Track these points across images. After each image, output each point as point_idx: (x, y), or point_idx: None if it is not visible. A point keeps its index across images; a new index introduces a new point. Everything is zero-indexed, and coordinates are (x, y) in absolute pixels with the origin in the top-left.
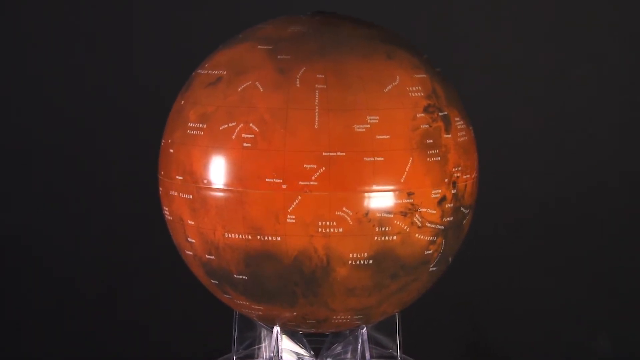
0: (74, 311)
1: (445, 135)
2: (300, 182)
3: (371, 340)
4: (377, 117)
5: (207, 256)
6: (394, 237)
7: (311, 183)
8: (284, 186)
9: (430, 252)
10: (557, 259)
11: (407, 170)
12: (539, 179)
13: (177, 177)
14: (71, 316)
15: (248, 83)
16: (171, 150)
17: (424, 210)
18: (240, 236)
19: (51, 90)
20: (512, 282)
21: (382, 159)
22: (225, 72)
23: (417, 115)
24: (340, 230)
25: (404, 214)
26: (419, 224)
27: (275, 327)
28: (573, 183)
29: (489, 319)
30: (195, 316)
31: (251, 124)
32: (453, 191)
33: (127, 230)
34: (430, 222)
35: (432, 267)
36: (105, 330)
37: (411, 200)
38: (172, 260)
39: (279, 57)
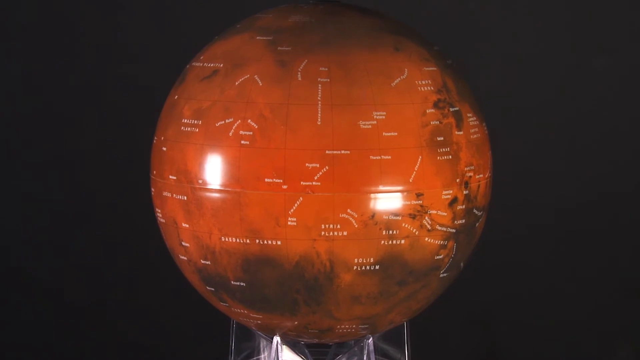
0: (61, 319)
1: (456, 132)
2: (302, 183)
3: (378, 351)
4: (384, 113)
5: (203, 261)
6: (402, 241)
7: (313, 183)
8: (284, 187)
9: (440, 257)
10: (576, 265)
11: (416, 169)
12: (557, 179)
13: (171, 177)
14: (60, 324)
15: (246, 76)
16: (164, 149)
17: (434, 212)
18: (237, 240)
19: (40, 86)
20: (528, 290)
21: (390, 157)
22: (221, 65)
23: (427, 111)
24: (345, 233)
25: (413, 217)
26: (428, 227)
27: (275, 337)
28: (594, 184)
29: (502, 328)
30: (189, 325)
31: (249, 121)
32: (465, 192)
33: (118, 234)
34: (441, 225)
35: (443, 273)
36: (94, 340)
37: (420, 202)
38: (165, 266)
39: (279, 48)
